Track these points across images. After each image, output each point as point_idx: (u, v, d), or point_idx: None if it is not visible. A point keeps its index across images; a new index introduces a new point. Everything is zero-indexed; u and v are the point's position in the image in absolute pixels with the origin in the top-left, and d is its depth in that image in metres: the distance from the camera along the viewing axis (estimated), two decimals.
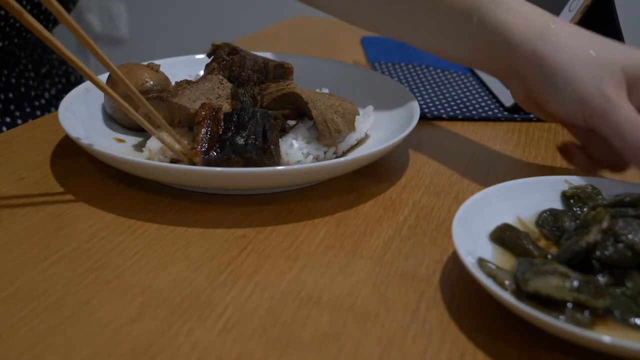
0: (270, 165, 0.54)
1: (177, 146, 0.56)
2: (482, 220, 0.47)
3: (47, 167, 0.59)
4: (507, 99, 0.76)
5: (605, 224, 0.43)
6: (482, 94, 0.80)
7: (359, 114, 0.62)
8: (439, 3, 0.61)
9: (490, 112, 0.74)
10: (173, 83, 0.64)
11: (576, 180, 0.52)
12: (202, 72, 0.67)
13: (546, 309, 0.39)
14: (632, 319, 0.40)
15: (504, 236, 0.46)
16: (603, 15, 0.69)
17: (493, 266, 0.43)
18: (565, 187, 0.52)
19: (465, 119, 0.73)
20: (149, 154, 0.57)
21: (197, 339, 0.40)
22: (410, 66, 0.90)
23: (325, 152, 0.59)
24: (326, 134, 0.58)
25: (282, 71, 0.63)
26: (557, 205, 0.51)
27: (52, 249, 0.48)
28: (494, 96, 0.80)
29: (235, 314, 0.42)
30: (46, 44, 0.47)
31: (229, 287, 0.44)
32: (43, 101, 0.86)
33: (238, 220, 0.52)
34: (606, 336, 0.36)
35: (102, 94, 0.65)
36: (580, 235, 0.44)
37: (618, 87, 0.52)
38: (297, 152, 0.57)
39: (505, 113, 0.75)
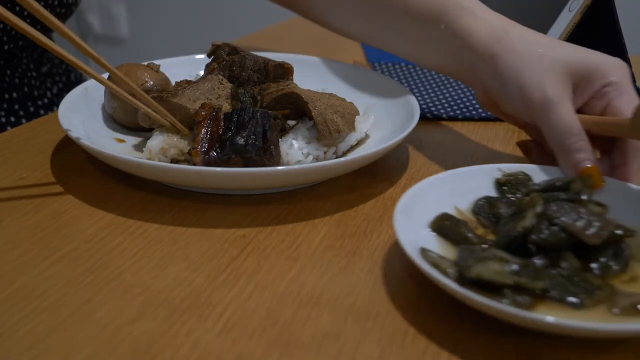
0: (270, 165, 0.54)
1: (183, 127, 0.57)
2: (420, 211, 0.48)
3: (47, 167, 0.59)
4: None
5: (539, 209, 0.45)
6: None
7: (359, 114, 0.62)
8: (409, 11, 0.63)
9: (490, 112, 0.74)
10: (173, 83, 0.64)
11: (509, 168, 0.53)
12: (202, 72, 0.67)
13: (488, 293, 0.40)
14: (568, 298, 0.41)
15: (443, 226, 0.47)
16: (603, 15, 0.68)
17: (435, 255, 0.44)
18: (499, 175, 0.53)
19: (465, 119, 0.73)
20: (149, 154, 0.57)
21: (197, 339, 0.40)
22: (410, 66, 0.90)
23: (325, 152, 0.59)
24: (326, 134, 0.58)
25: (282, 71, 0.63)
26: (492, 193, 0.52)
27: (52, 249, 0.48)
28: None
29: (235, 314, 0.42)
30: (49, 50, 0.47)
31: (229, 287, 0.44)
32: (46, 100, 0.86)
33: (238, 220, 0.52)
34: (549, 316, 0.37)
35: (102, 94, 0.65)
36: (517, 220, 0.45)
37: (560, 85, 0.53)
38: (297, 152, 0.57)
39: None
